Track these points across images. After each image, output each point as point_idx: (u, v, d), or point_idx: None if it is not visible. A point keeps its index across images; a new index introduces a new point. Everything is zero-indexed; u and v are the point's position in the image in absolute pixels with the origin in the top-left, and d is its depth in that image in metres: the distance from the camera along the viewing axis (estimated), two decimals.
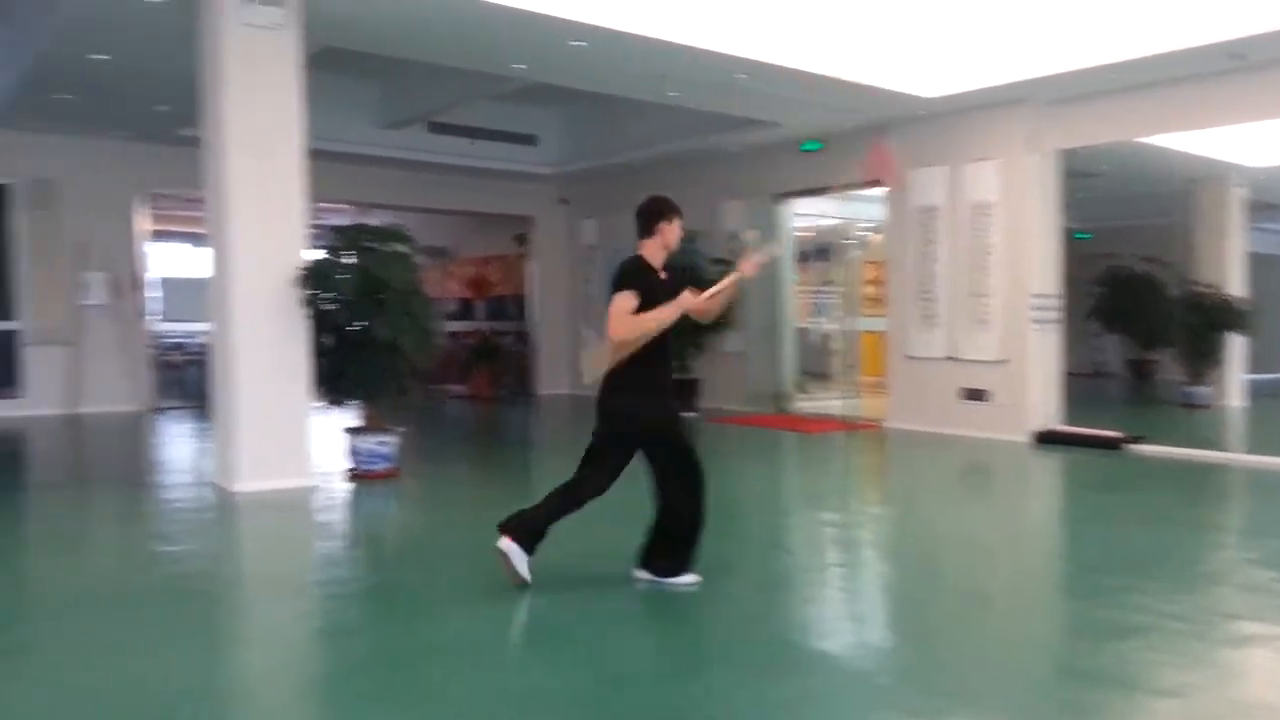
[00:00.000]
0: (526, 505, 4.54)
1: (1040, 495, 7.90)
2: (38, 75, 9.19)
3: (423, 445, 9.49)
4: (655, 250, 4.65)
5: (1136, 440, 9.16)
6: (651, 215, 4.67)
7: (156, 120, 10.79)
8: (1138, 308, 17.72)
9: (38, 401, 11.68)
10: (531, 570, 4.44)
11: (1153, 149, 10.86)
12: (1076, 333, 15.38)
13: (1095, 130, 9.49)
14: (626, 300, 4.40)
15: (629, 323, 4.37)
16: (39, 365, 11.75)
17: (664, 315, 4.42)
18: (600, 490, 4.56)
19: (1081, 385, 14.91)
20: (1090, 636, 4.01)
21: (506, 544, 4.45)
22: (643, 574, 4.63)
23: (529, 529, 4.49)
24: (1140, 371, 18.59)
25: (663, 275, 4.65)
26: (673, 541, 4.59)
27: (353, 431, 7.48)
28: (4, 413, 11.45)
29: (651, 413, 4.55)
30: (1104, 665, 3.67)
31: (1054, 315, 9.88)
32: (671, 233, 4.66)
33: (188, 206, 15.06)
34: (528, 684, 3.43)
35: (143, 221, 12.59)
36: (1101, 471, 8.31)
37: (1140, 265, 17.85)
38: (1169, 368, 18.11)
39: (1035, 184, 9.72)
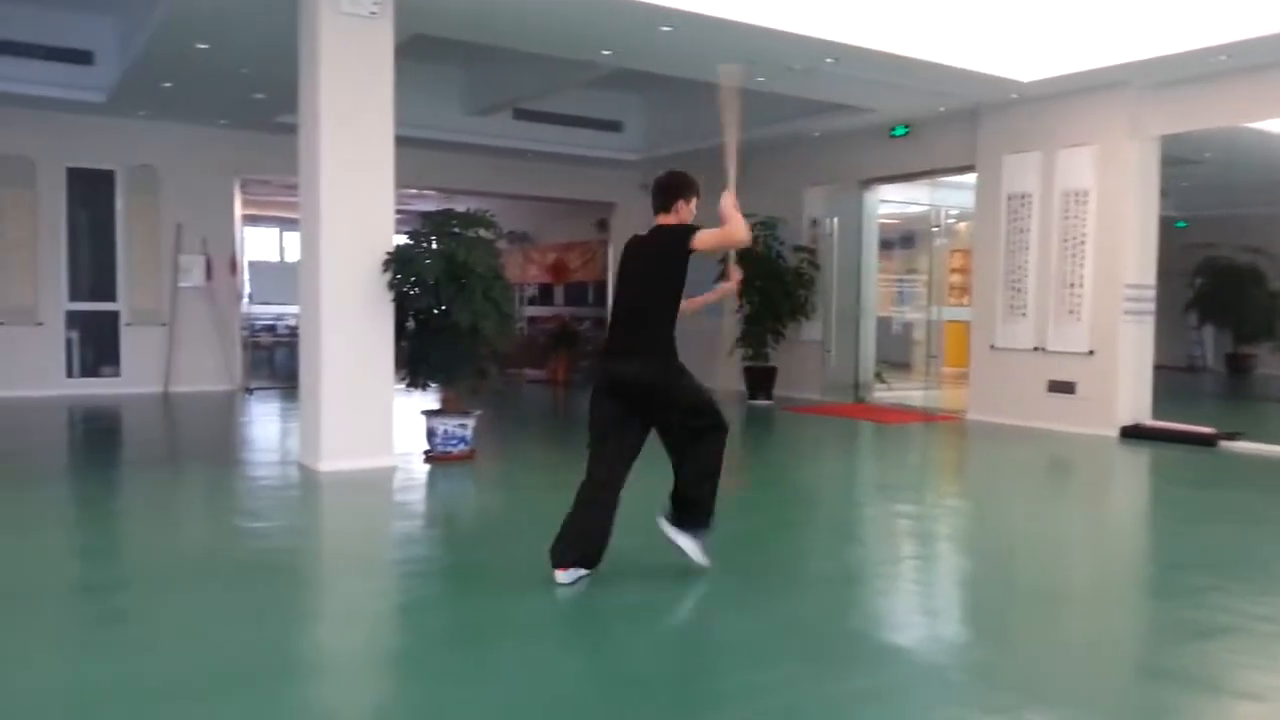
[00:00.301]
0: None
1: (1126, 492, 7.68)
2: (143, 64, 9.53)
3: (500, 428, 9.63)
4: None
5: (1231, 437, 8.85)
6: (671, 191, 4.47)
7: (253, 107, 11.11)
8: (1237, 300, 17.08)
9: (134, 380, 12.16)
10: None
11: (1259, 134, 10.46)
12: (1171, 325, 14.93)
13: (1200, 115, 9.14)
14: (709, 232, 4.29)
15: (736, 223, 4.24)
16: (136, 345, 12.23)
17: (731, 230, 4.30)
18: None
19: (1174, 379, 14.45)
20: (1173, 636, 3.90)
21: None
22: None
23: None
24: (1237, 366, 17.93)
25: None
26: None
27: (431, 414, 7.62)
28: (104, 390, 11.95)
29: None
30: (1186, 666, 3.56)
31: (1148, 306, 9.58)
32: (688, 213, 4.48)
33: (277, 192, 15.52)
34: (601, 665, 3.47)
35: (239, 206, 12.98)
36: (1192, 468, 8.04)
37: (1242, 256, 17.21)
38: (1268, 362, 17.44)
39: (1134, 171, 9.42)
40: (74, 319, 11.98)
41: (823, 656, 3.59)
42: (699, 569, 4.54)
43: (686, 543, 4.52)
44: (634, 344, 4.41)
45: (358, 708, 3.17)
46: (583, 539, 4.36)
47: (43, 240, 11.70)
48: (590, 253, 16.89)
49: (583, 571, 4.35)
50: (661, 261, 4.41)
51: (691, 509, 4.53)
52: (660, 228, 4.49)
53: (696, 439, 4.49)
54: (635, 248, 4.55)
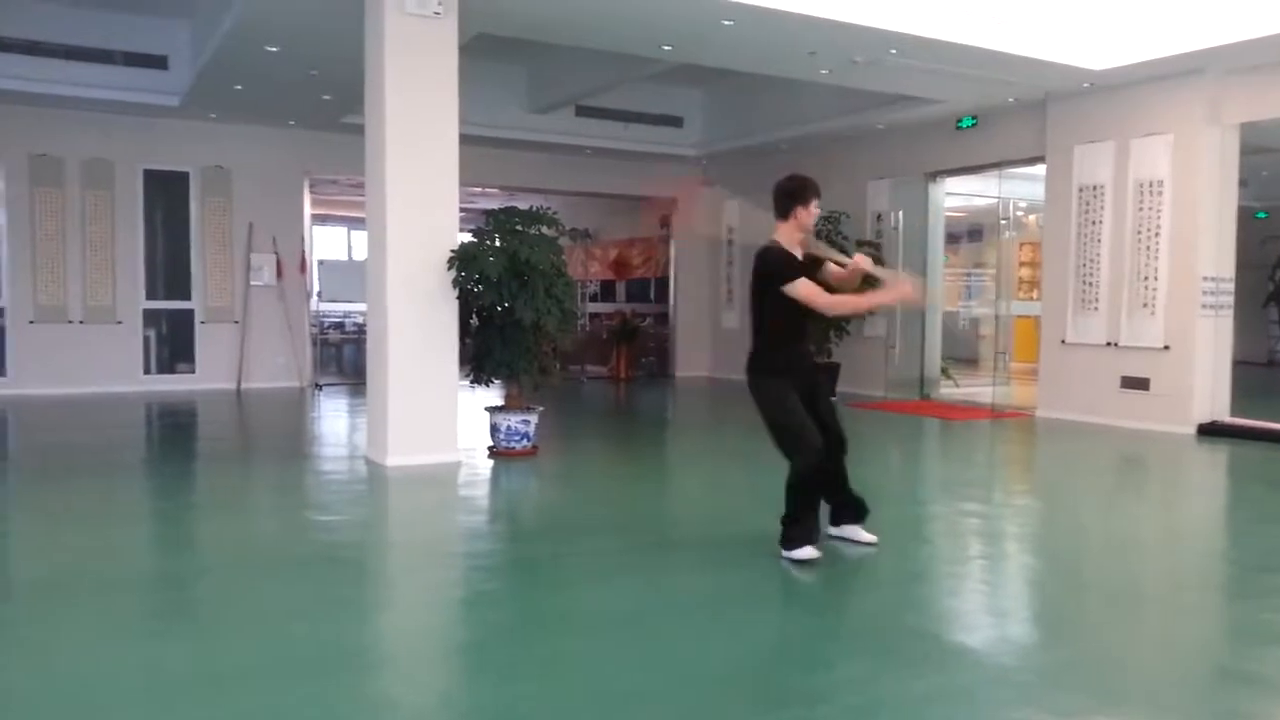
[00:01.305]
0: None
1: (1202, 490, 7.46)
2: (215, 68, 9.76)
3: (562, 424, 9.68)
4: (791, 234, 4.67)
5: None
6: (789, 197, 4.65)
7: (321, 108, 11.31)
8: None
9: (208, 376, 12.48)
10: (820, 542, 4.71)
11: None
12: (1250, 319, 14.48)
13: None
14: (804, 284, 4.54)
15: (826, 299, 4.58)
16: (210, 342, 12.54)
17: (875, 299, 4.79)
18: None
19: (1254, 375, 14.01)
20: (1252, 640, 3.78)
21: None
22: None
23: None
24: None
25: (799, 256, 4.69)
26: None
27: (495, 410, 7.69)
28: (179, 386, 12.28)
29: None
30: (1263, 670, 3.46)
31: (1226, 300, 9.29)
32: (808, 216, 4.65)
33: (345, 191, 15.78)
34: (668, 661, 3.47)
35: (308, 205, 13.23)
36: (1273, 467, 7.79)
37: None
38: None
39: (1212, 160, 9.14)
40: (150, 317, 12.33)
41: (891, 656, 3.55)
42: (765, 563, 4.52)
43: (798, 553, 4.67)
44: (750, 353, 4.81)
45: (423, 699, 3.21)
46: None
47: (120, 240, 12.05)
48: (652, 249, 16.90)
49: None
50: (758, 285, 4.69)
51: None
52: (764, 251, 4.69)
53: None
54: (754, 263, 4.77)
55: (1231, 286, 9.36)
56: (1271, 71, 8.68)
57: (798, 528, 4.65)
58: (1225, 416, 9.25)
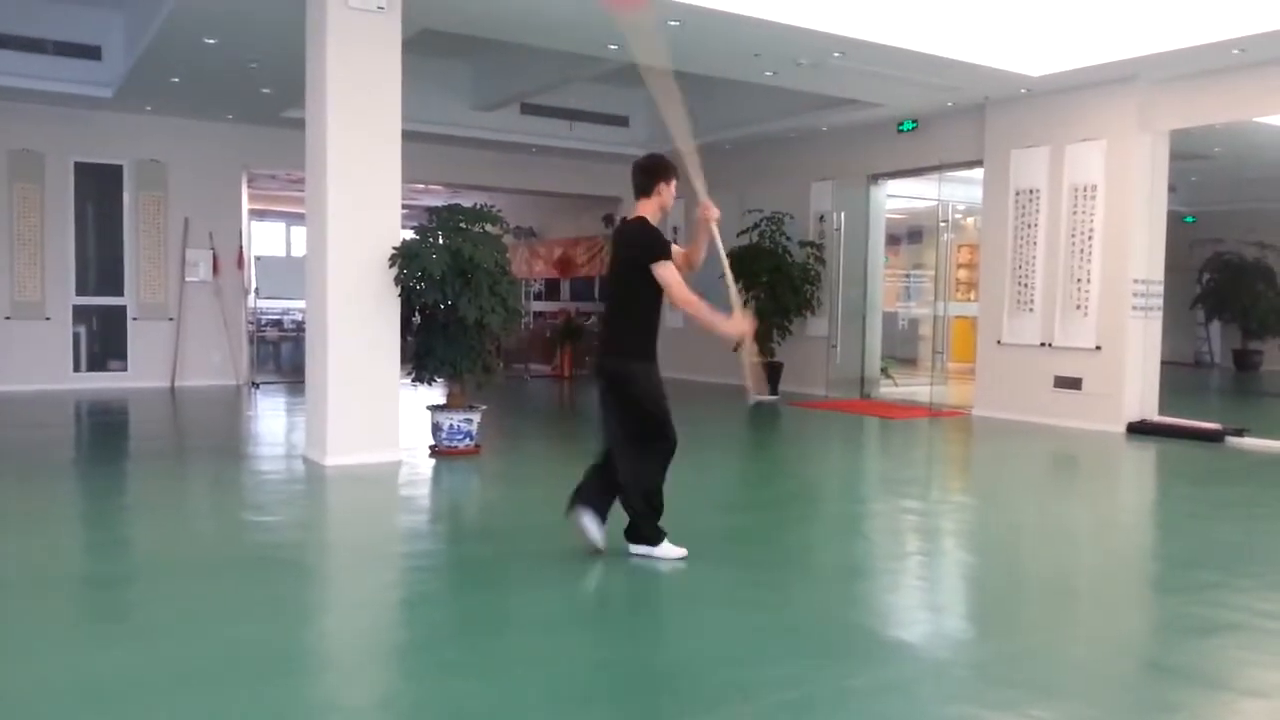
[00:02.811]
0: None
1: (1132, 487, 7.66)
2: (150, 59, 9.54)
3: (505, 423, 9.64)
4: (654, 211, 4.66)
5: (1238, 433, 8.83)
6: (652, 174, 4.64)
7: (261, 102, 11.12)
8: (1245, 295, 17.04)
9: (141, 374, 12.21)
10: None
11: (1270, 129, 10.42)
12: (1178, 321, 14.89)
13: (1211, 110, 9.11)
14: (673, 271, 4.45)
15: (685, 293, 4.44)
16: (143, 339, 12.27)
17: (717, 321, 4.52)
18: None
19: (1181, 375, 14.42)
20: (1178, 633, 3.90)
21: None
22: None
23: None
24: (1245, 362, 17.89)
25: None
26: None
27: (437, 408, 7.63)
28: (111, 384, 11.99)
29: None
30: (1191, 663, 3.56)
31: (1155, 302, 9.55)
32: (670, 194, 4.65)
33: (284, 187, 15.55)
34: (601, 659, 3.47)
35: (246, 201, 13.01)
36: (1198, 464, 8.03)
37: (1250, 251, 17.16)
38: (1276, 358, 17.38)
39: (1143, 166, 9.39)
40: (81, 313, 12.01)
41: (828, 652, 3.59)
42: (701, 562, 4.54)
43: (660, 551, 4.67)
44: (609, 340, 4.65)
45: (363, 700, 3.18)
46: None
47: (50, 235, 11.73)
48: (596, 248, 16.88)
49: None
50: (627, 261, 4.58)
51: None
52: (631, 226, 4.62)
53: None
54: (615, 239, 4.71)
55: (1161, 289, 9.62)
56: (1200, 80, 8.94)
57: (655, 523, 4.64)
58: (1154, 415, 9.51)
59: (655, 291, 4.49)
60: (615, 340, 4.61)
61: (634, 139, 14.19)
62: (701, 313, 4.47)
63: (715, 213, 4.63)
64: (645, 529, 4.66)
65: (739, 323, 4.56)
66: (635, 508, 4.64)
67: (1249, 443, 8.71)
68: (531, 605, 4.10)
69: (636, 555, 4.67)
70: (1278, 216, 16.46)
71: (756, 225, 12.37)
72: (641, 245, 4.52)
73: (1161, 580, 4.86)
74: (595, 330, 16.07)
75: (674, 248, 4.61)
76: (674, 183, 4.66)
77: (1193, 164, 13.11)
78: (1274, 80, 8.49)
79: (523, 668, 3.38)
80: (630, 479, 4.58)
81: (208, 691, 3.12)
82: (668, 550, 4.65)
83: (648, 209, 4.64)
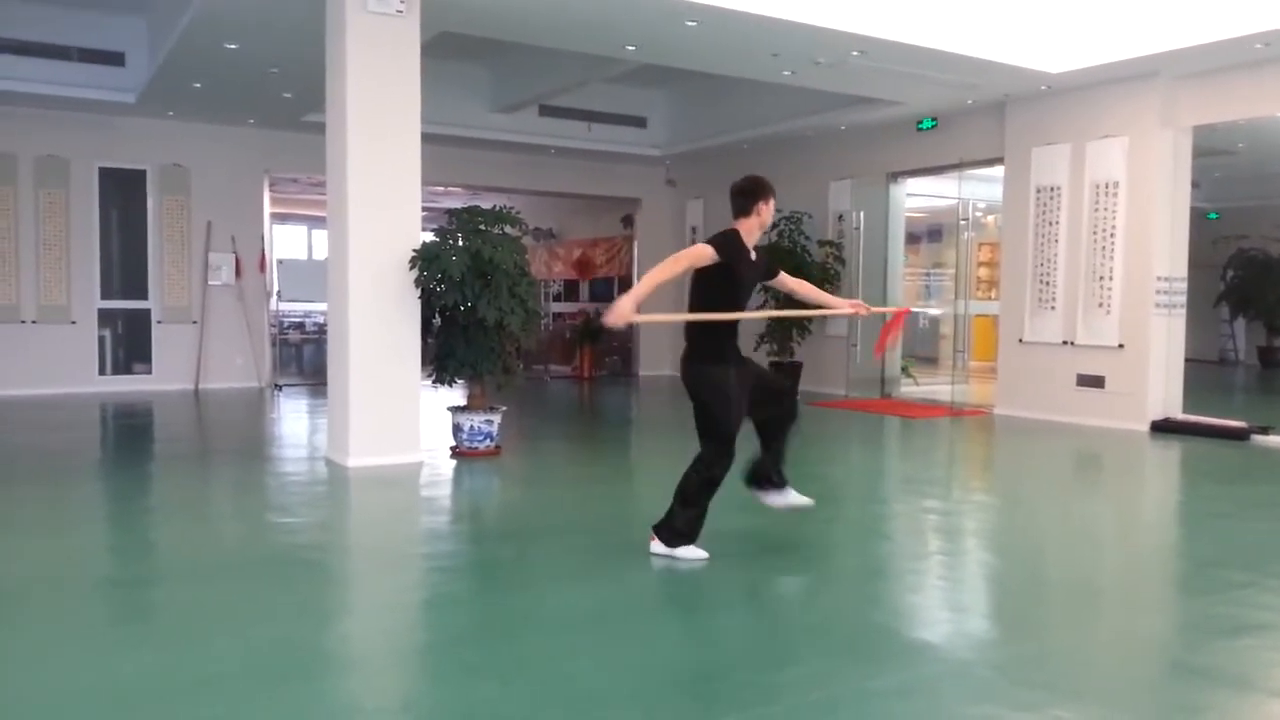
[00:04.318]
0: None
1: (1156, 487, 7.60)
2: (172, 65, 9.62)
3: (525, 424, 9.67)
4: (752, 229, 4.76)
5: (1264, 431, 8.75)
6: (751, 194, 4.75)
7: (282, 106, 11.19)
8: (1270, 291, 16.86)
9: (165, 377, 12.31)
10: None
11: None
12: (1202, 318, 14.76)
13: (1234, 105, 9.03)
14: (699, 249, 4.54)
15: (664, 268, 4.51)
16: (167, 342, 12.38)
17: (653, 278, 4.52)
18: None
19: (1205, 373, 14.29)
20: (1205, 633, 3.86)
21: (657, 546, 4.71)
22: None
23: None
24: (1270, 359, 17.69)
25: (753, 256, 4.74)
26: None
27: (458, 410, 7.66)
28: (135, 387, 12.10)
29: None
30: (1218, 663, 3.53)
31: (1179, 300, 9.47)
32: (768, 213, 4.78)
33: (306, 190, 15.64)
34: (628, 661, 3.48)
35: (267, 205, 13.09)
36: (1224, 463, 7.96)
37: (1274, 247, 16.98)
38: None
39: (1165, 162, 9.31)
40: (106, 317, 12.13)
41: (851, 653, 3.58)
42: (723, 563, 4.54)
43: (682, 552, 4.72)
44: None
45: (385, 702, 3.20)
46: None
47: (75, 239, 11.85)
48: (615, 248, 16.90)
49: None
50: (701, 272, 4.65)
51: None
52: (716, 235, 4.68)
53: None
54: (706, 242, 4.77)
55: (1184, 286, 9.54)
56: (1223, 75, 8.86)
57: (694, 525, 4.71)
58: (1178, 413, 9.43)
59: (727, 296, 4.61)
60: (690, 344, 4.75)
61: (652, 140, 14.21)
62: (644, 287, 4.50)
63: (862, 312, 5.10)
64: (676, 523, 4.71)
65: (845, 303, 5.07)
66: (676, 509, 4.72)
67: (1275, 441, 8.62)
68: (553, 606, 4.11)
69: (658, 553, 4.72)
70: None
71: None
72: (710, 239, 4.62)
73: (1187, 580, 4.82)
74: (614, 330, 16.09)
75: (786, 275, 4.94)
76: (772, 201, 4.78)
77: (1216, 160, 12.99)
78: None
79: (544, 669, 3.39)
80: (685, 483, 4.71)
81: (230, 693, 3.14)
82: (687, 552, 4.67)
83: (747, 227, 4.74)
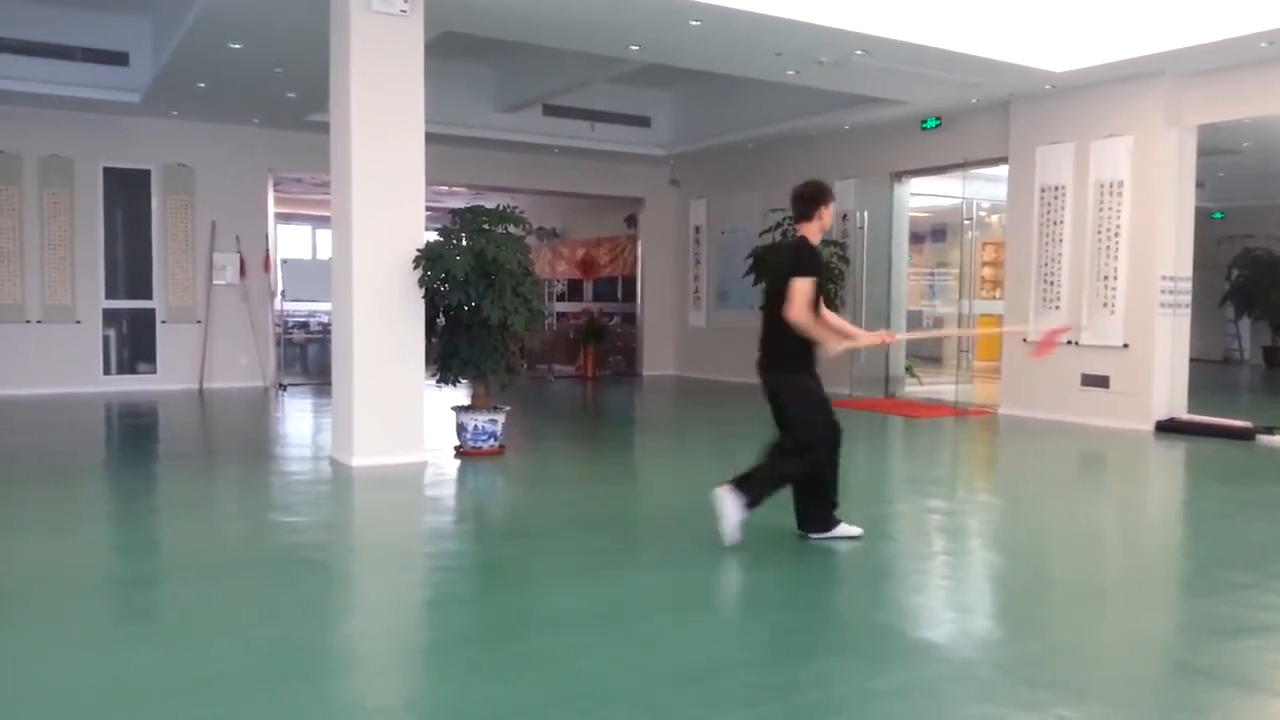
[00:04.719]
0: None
1: (1161, 487, 7.59)
2: (177, 65, 9.64)
3: (529, 423, 9.67)
4: (815, 233, 4.98)
5: (1269, 431, 8.72)
6: (813, 199, 4.97)
7: (286, 106, 11.21)
8: (1275, 291, 16.82)
9: (170, 376, 12.33)
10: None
11: None
12: (1206, 318, 14.72)
13: (1239, 104, 9.01)
14: (809, 286, 4.74)
15: (806, 315, 4.74)
16: (172, 342, 12.40)
17: (834, 342, 4.93)
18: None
19: (1210, 373, 14.26)
20: (1209, 633, 3.85)
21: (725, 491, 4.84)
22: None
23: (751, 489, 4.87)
24: (1275, 358, 17.65)
25: None
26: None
27: (461, 409, 7.66)
28: (140, 386, 12.12)
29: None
30: (1222, 664, 3.52)
31: (1183, 299, 9.45)
32: (828, 216, 5.02)
33: (310, 190, 15.66)
34: (632, 660, 3.48)
35: (271, 204, 13.11)
36: (1229, 463, 7.94)
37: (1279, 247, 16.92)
38: None
39: (1170, 161, 9.29)
40: (111, 317, 12.15)
41: (856, 652, 3.58)
42: (729, 563, 4.53)
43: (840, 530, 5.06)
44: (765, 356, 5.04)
45: (389, 702, 3.20)
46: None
47: (79, 239, 11.87)
48: (619, 248, 16.90)
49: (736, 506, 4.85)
50: (783, 281, 4.86)
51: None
52: (790, 244, 5.02)
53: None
54: (774, 255, 4.97)
55: (1189, 285, 9.52)
56: (1228, 74, 8.84)
57: (766, 490, 4.90)
58: (1182, 413, 9.41)
59: (815, 302, 4.81)
60: (772, 355, 4.98)
61: (656, 139, 14.20)
62: (812, 331, 4.80)
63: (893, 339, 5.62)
64: (755, 490, 4.87)
65: (870, 336, 5.36)
66: (763, 478, 4.91)
67: None
68: (557, 606, 4.11)
69: (816, 539, 5.03)
70: None
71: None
72: (794, 261, 4.83)
73: (1192, 580, 4.81)
74: (618, 330, 16.10)
75: (826, 313, 5.09)
76: (832, 205, 5.02)
77: (1221, 159, 12.96)
78: None
79: (548, 669, 3.39)
80: (819, 476, 4.98)
81: (233, 693, 3.14)
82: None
83: (809, 230, 4.97)
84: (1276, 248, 17.01)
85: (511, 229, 7.61)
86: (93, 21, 10.64)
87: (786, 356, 4.95)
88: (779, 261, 5.01)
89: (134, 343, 12.33)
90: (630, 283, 16.40)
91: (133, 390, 11.97)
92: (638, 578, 4.53)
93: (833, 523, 5.06)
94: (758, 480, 4.89)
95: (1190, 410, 9.47)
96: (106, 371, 12.12)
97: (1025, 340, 5.30)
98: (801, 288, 4.73)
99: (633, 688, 3.23)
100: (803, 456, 4.95)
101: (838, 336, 5.00)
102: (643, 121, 13.90)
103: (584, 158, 14.32)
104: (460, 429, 7.62)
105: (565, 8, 7.69)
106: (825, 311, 5.09)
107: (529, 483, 7.09)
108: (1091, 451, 8.68)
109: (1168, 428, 9.17)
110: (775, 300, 4.88)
